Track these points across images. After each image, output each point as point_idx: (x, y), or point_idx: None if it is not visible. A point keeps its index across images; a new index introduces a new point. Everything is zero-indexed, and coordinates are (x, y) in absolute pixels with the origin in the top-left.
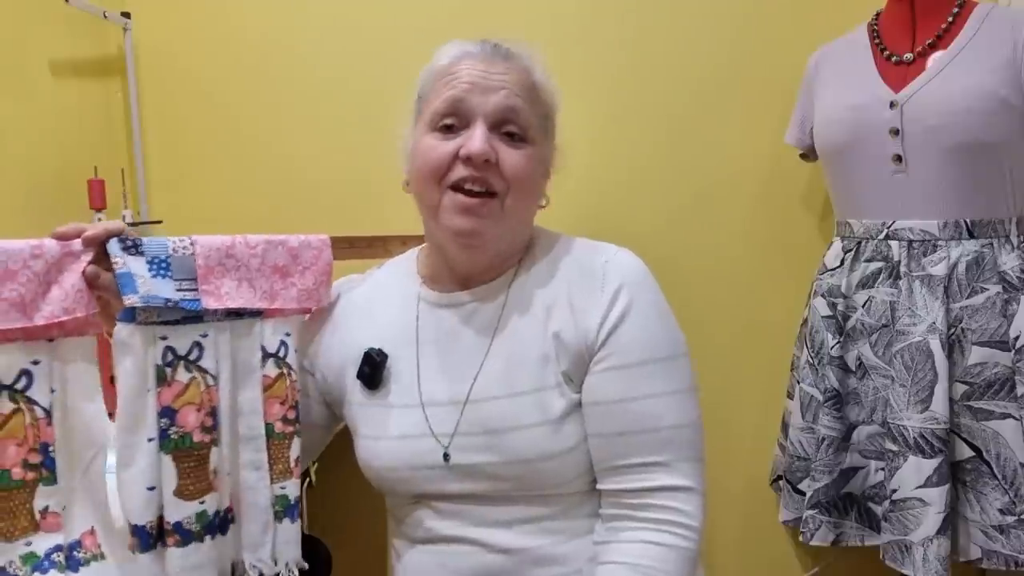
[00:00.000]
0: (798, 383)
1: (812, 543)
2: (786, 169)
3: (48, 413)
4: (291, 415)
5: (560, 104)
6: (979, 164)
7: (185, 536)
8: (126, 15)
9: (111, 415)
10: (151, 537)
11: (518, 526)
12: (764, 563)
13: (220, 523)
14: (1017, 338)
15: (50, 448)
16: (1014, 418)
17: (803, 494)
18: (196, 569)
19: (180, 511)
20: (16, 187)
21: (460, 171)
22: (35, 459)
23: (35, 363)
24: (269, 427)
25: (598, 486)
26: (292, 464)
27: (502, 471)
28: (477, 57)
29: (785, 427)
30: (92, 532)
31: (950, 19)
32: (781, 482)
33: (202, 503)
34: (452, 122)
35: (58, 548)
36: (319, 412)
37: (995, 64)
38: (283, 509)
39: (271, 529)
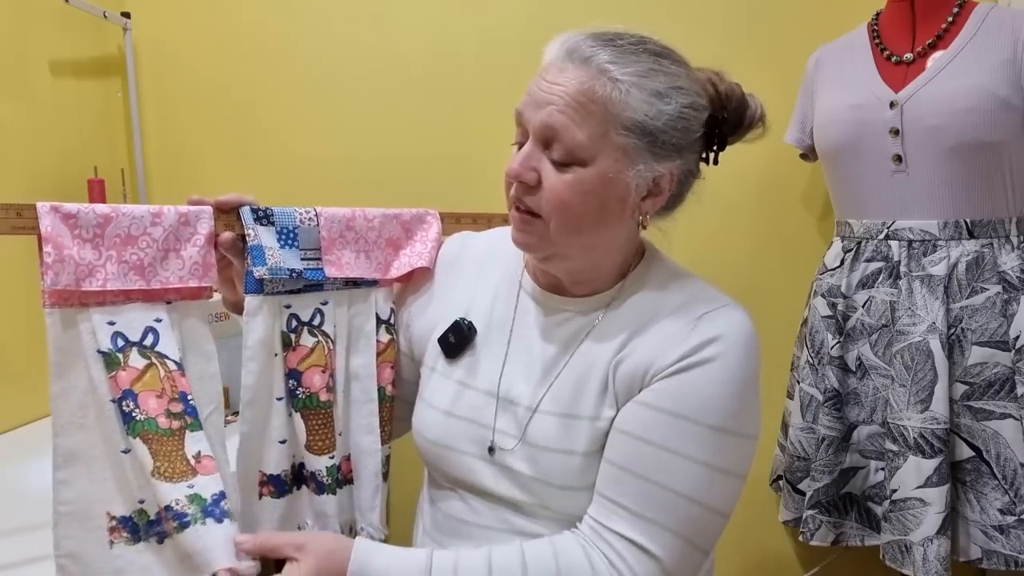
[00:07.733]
0: (798, 383)
1: (812, 543)
2: (786, 169)
3: (180, 366)
4: (396, 380)
5: (672, 116)
6: (979, 164)
7: (320, 486)
8: (126, 15)
9: None
10: (287, 484)
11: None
12: (764, 563)
13: (341, 480)
14: (1017, 338)
15: (189, 397)
16: (1014, 418)
17: (803, 494)
18: (323, 517)
19: (312, 464)
20: (16, 187)
21: (513, 189)
22: (177, 408)
23: (158, 320)
24: (381, 390)
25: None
26: (393, 428)
27: (531, 486)
28: (553, 61)
29: (785, 427)
30: None
31: (950, 19)
32: (781, 482)
33: (331, 458)
34: (521, 135)
35: (223, 495)
36: (412, 369)
37: (995, 64)
38: (387, 471)
39: (380, 493)
